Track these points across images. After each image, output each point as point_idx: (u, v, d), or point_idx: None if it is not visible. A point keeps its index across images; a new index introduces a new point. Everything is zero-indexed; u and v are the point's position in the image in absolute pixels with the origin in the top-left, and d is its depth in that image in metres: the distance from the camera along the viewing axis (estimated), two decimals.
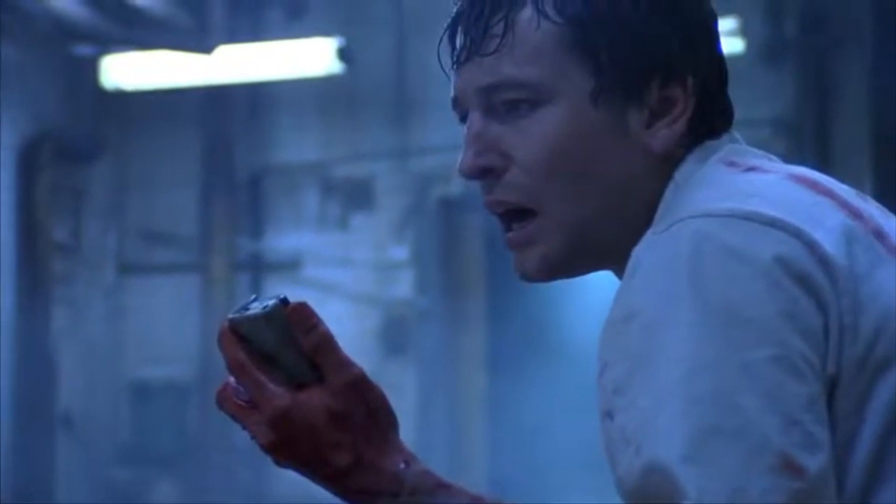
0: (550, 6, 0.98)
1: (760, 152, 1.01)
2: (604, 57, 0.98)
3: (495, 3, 0.99)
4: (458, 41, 1.01)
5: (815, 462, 0.82)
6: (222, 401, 0.99)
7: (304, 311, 0.96)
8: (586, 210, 0.99)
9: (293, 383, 0.96)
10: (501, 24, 0.98)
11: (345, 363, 0.97)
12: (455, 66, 1.02)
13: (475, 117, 1.00)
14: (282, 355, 0.96)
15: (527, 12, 0.98)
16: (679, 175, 0.98)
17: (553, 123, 0.98)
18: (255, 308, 0.97)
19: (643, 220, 0.96)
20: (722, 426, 0.81)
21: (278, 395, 0.96)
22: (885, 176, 4.65)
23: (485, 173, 1.00)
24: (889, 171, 4.57)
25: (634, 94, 0.99)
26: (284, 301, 0.96)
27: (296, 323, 0.96)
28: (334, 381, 0.96)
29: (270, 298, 0.96)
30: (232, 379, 0.99)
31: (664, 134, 0.99)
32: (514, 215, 1.01)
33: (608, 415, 0.87)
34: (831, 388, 0.85)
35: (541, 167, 0.98)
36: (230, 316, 0.98)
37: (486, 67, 0.99)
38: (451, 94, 1.02)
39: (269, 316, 0.95)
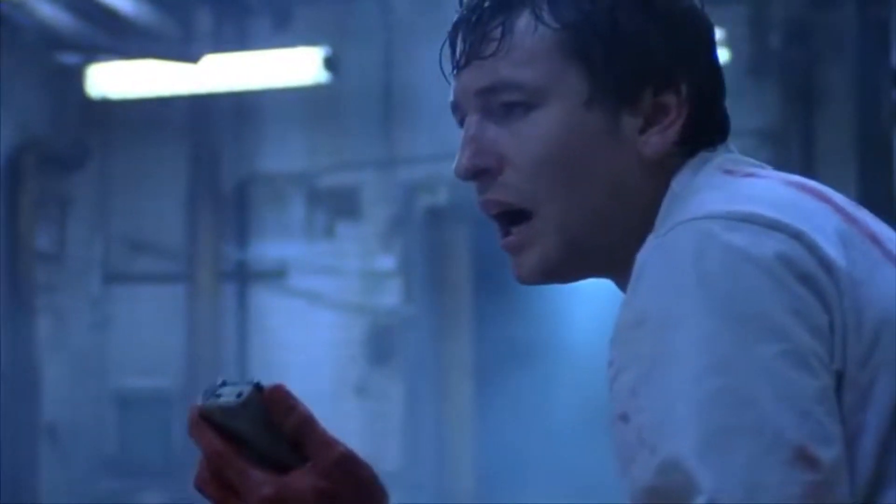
0: (548, 12, 1.00)
1: (756, 161, 1.03)
2: (599, 63, 1.00)
3: (494, 9, 1.01)
4: (458, 47, 1.03)
5: (830, 454, 0.82)
6: (202, 486, 0.96)
7: (281, 394, 0.92)
8: (580, 212, 1.00)
9: (274, 466, 0.92)
10: (499, 29, 1.01)
11: (329, 442, 0.93)
12: (455, 72, 1.04)
13: (472, 120, 1.03)
14: (259, 439, 0.92)
15: (524, 18, 1.01)
16: (676, 184, 0.99)
17: (547, 126, 1.00)
18: (228, 394, 0.93)
19: (638, 226, 0.97)
20: (735, 422, 0.82)
21: (263, 481, 0.92)
22: (870, 186, 4.67)
23: (480, 174, 1.02)
24: (874, 181, 4.59)
25: (628, 99, 1.00)
26: (258, 386, 0.93)
27: (274, 407, 0.92)
28: (320, 460, 0.92)
29: (242, 384, 0.93)
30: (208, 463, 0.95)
31: (656, 140, 1.00)
32: (510, 218, 1.03)
33: (623, 417, 0.88)
34: (838, 383, 0.86)
35: (534, 168, 1.00)
36: (200, 403, 0.94)
37: (484, 70, 1.01)
38: (451, 98, 1.05)
39: (245, 404, 0.91)
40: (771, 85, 6.73)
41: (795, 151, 6.40)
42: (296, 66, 7.17)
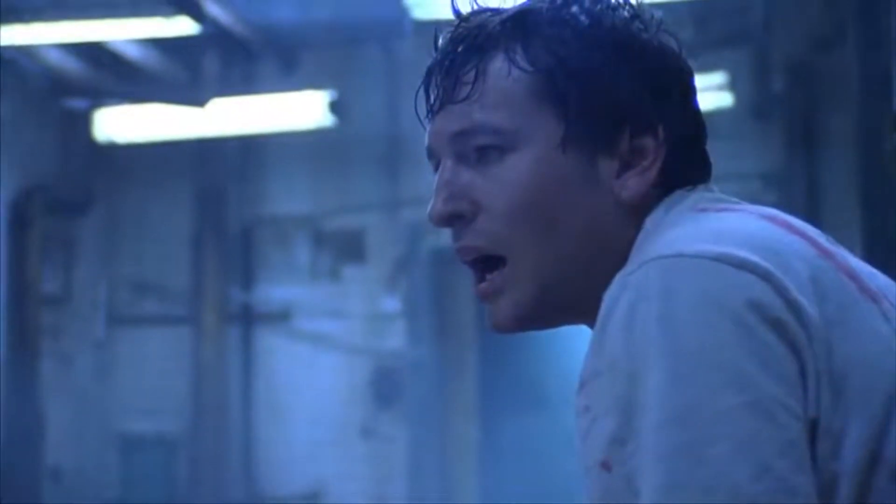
0: (521, 55, 0.99)
1: (732, 198, 1.01)
2: (573, 105, 0.98)
3: (467, 53, 1.00)
4: (432, 92, 1.02)
5: None
6: None
7: None
8: (555, 258, 0.98)
9: None
10: (473, 73, 1.00)
11: None
12: (429, 116, 1.03)
13: (446, 164, 1.01)
14: None
15: (498, 61, 1.00)
16: (649, 222, 0.98)
17: (522, 170, 0.98)
18: None
19: (615, 270, 0.94)
20: (690, 479, 0.81)
21: None
22: (874, 228, 4.67)
23: (454, 220, 1.01)
24: (878, 223, 4.59)
25: (604, 142, 0.99)
26: None
27: None
28: None
29: None
30: None
31: (634, 183, 0.99)
32: (485, 265, 1.01)
33: (604, 465, 0.86)
34: (812, 430, 0.84)
35: (509, 214, 0.98)
36: None
37: (458, 114, 1.00)
38: (426, 143, 1.03)
39: None
40: (773, 128, 6.76)
41: (799, 194, 6.41)
42: (301, 109, 7.22)
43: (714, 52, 6.36)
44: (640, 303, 0.86)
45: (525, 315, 1.00)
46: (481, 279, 1.01)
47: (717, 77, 6.49)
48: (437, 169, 1.03)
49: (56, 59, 6.86)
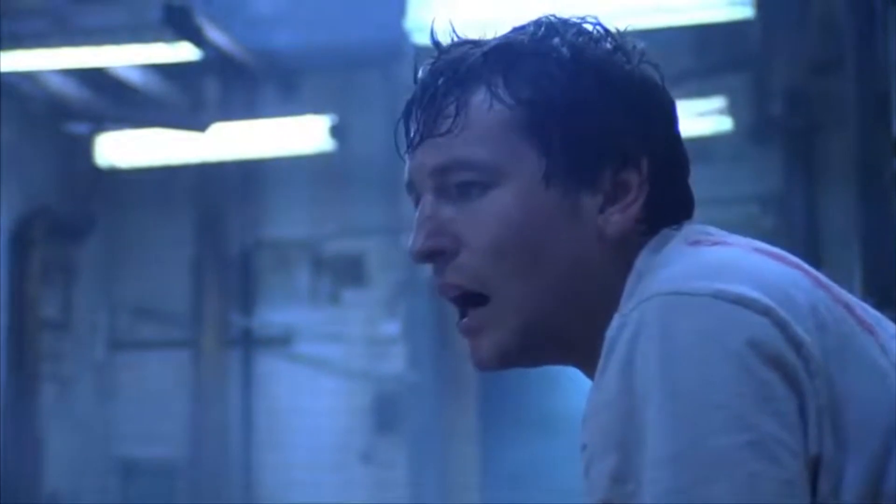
0: (503, 89, 0.98)
1: (722, 231, 1.00)
2: (556, 140, 0.97)
3: (448, 86, 0.99)
4: (413, 125, 1.01)
5: None
6: None
7: None
8: (538, 295, 0.97)
9: None
10: (454, 106, 0.98)
11: None
12: (409, 150, 1.01)
13: (427, 199, 1.00)
14: None
15: (479, 94, 0.98)
16: (639, 263, 0.96)
17: (504, 206, 0.97)
18: None
19: (600, 308, 0.94)
20: None
21: None
22: (873, 252, 4.67)
23: (435, 256, 0.99)
24: (878, 248, 4.59)
25: (587, 177, 0.98)
26: None
27: None
28: None
29: None
30: None
31: (618, 219, 0.98)
32: (467, 301, 0.99)
33: None
34: (815, 468, 0.84)
35: (490, 250, 0.97)
36: None
37: (438, 148, 0.98)
38: (405, 177, 1.01)
39: None
40: (772, 152, 6.78)
41: (798, 218, 6.43)
42: (302, 134, 7.24)
43: (713, 76, 6.38)
44: (638, 341, 0.85)
45: (507, 353, 0.99)
46: (464, 315, 1.00)
47: (717, 101, 6.51)
48: (417, 203, 1.01)
49: (57, 84, 6.89)
